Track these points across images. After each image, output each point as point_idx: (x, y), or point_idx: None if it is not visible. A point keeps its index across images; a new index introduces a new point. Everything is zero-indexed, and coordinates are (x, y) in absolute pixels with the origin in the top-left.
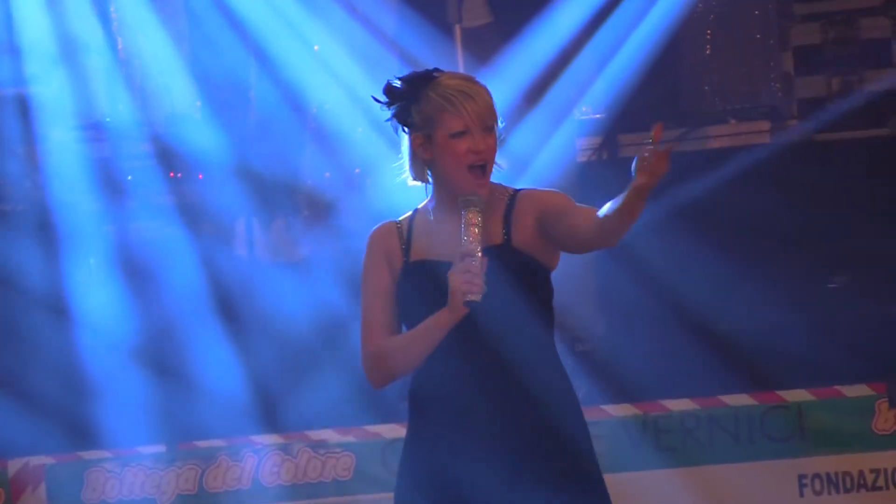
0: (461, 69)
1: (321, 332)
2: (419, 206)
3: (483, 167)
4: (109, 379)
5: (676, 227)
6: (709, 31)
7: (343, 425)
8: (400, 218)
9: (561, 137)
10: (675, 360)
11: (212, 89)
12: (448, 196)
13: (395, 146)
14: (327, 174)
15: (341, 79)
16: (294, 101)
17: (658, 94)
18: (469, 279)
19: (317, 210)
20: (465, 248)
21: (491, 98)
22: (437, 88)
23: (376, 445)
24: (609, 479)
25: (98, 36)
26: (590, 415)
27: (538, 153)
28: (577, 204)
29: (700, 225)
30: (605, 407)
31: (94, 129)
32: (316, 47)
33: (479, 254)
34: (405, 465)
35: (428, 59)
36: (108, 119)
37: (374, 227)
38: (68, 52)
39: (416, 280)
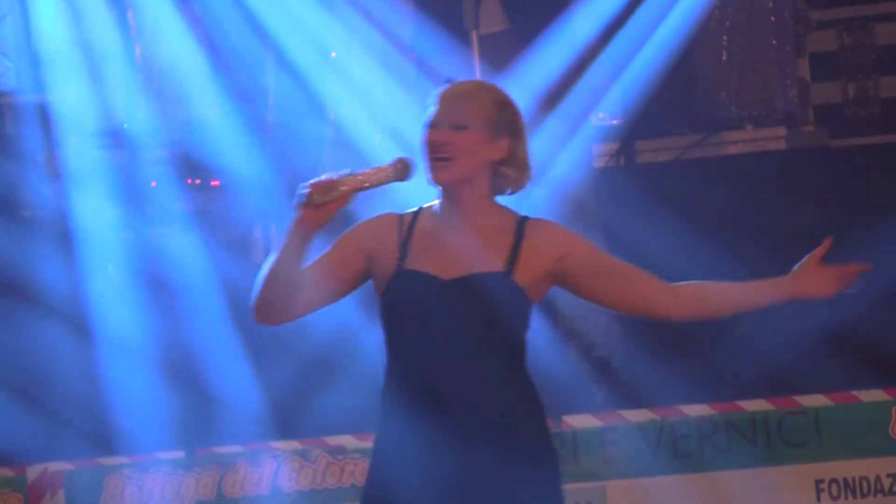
0: (478, 75)
1: (340, 338)
2: (424, 206)
3: (443, 160)
4: (128, 386)
5: (692, 234)
6: (725, 38)
7: (361, 431)
8: (404, 213)
9: (578, 143)
10: (693, 366)
11: (230, 95)
12: (446, 200)
13: (413, 152)
14: None
15: (359, 85)
16: (312, 107)
17: (674, 101)
18: (316, 182)
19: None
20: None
21: (479, 100)
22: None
23: None
24: (625, 484)
25: (116, 42)
26: (607, 420)
27: (555, 159)
28: (618, 260)
29: (717, 231)
30: (621, 412)
31: (112, 136)
32: (333, 53)
33: (345, 177)
34: (373, 465)
35: (445, 65)
36: (126, 125)
37: (377, 213)
38: (87, 58)
39: (410, 288)
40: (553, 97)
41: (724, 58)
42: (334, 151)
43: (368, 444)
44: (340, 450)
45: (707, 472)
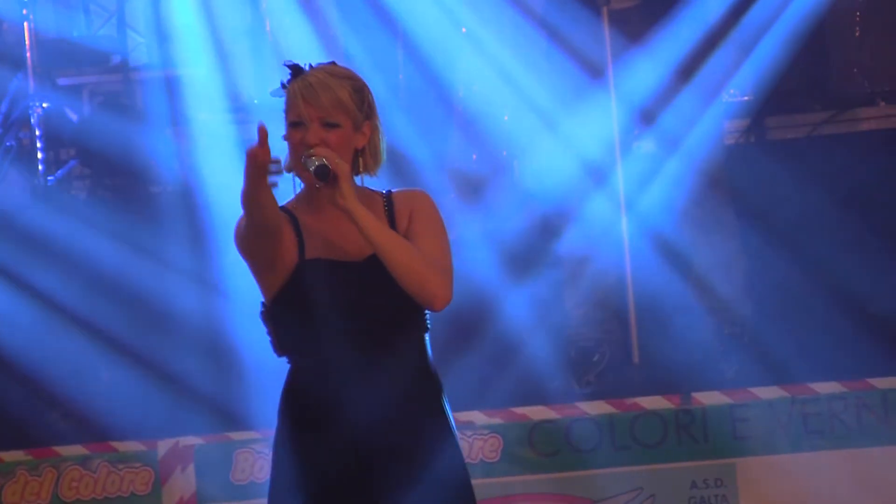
0: (608, 50)
1: (468, 313)
2: (287, 204)
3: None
4: (256, 359)
5: (824, 211)
6: (858, 13)
7: (489, 407)
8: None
9: (709, 120)
10: (824, 342)
11: (359, 72)
12: (316, 192)
13: (543, 129)
14: (474, 156)
15: (489, 61)
16: (441, 84)
17: (806, 77)
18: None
19: (464, 192)
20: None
21: (343, 92)
22: (297, 81)
23: (523, 427)
24: (755, 461)
25: (246, 18)
26: (739, 397)
27: (686, 135)
28: (430, 229)
29: (848, 208)
30: (752, 389)
31: (242, 112)
32: (464, 29)
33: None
34: (280, 464)
35: (576, 40)
36: (255, 101)
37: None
38: (217, 34)
39: (315, 278)
40: (684, 73)
41: (857, 33)
42: (463, 128)
43: (497, 420)
44: (469, 426)
45: (837, 450)
